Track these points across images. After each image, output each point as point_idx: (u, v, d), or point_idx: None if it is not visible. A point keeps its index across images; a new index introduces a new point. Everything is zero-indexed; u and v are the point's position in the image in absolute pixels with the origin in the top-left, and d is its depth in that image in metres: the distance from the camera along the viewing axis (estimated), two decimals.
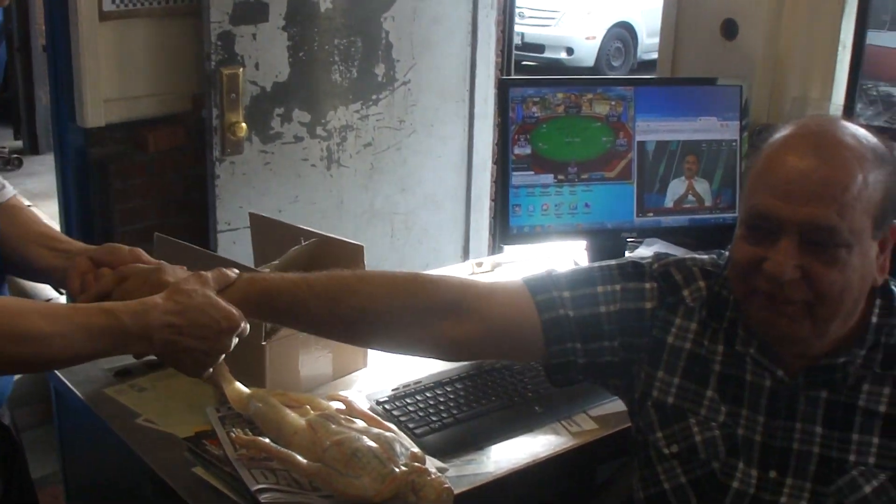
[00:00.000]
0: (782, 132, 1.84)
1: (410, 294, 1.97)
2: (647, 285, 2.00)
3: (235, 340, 1.89)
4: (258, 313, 1.97)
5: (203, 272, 1.90)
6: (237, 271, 1.95)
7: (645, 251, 3.03)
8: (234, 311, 1.86)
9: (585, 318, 1.97)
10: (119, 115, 3.94)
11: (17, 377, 2.26)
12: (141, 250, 2.09)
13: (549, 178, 3.00)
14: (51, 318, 1.72)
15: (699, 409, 1.94)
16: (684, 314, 1.98)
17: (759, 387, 1.91)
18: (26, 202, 2.29)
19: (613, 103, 3.03)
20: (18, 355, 1.71)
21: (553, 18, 14.17)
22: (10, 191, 2.25)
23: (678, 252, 2.83)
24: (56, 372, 2.40)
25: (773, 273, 1.75)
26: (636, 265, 2.03)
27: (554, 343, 1.97)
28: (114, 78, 3.90)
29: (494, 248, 4.73)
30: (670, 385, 1.97)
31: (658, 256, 2.05)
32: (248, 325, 1.91)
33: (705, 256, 2.05)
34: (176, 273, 1.98)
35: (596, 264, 2.06)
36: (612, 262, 2.06)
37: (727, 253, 1.96)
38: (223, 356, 1.91)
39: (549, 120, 2.99)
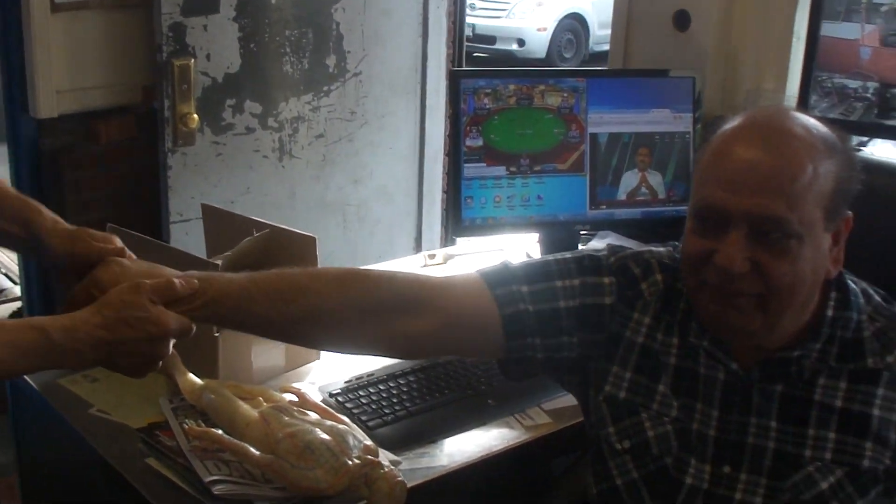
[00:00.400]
0: (731, 123, 1.83)
1: (363, 290, 1.92)
2: (606, 280, 1.97)
3: (172, 343, 1.85)
4: (206, 320, 1.92)
5: (142, 281, 1.83)
6: (187, 282, 1.86)
7: (598, 244, 3.04)
8: (169, 318, 1.80)
9: (545, 313, 1.94)
10: (71, 107, 3.92)
11: None
12: (112, 236, 2.04)
13: (501, 170, 3.00)
14: None
15: (651, 403, 1.93)
16: (641, 308, 1.96)
17: (713, 380, 1.89)
18: None
19: (565, 95, 3.04)
20: None
21: (504, 10, 14.18)
22: None
23: (631, 245, 2.85)
24: None
25: (723, 265, 1.74)
26: (592, 258, 2.00)
27: (513, 338, 1.94)
28: (66, 69, 3.87)
29: (447, 239, 4.73)
30: (622, 379, 1.95)
31: (613, 249, 2.03)
32: (193, 326, 1.87)
33: (662, 249, 2.03)
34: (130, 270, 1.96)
35: (551, 257, 2.02)
36: (568, 254, 2.02)
37: None
38: (162, 359, 1.87)
39: (500, 111, 2.99)
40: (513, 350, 1.96)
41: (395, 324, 1.92)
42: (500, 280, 1.96)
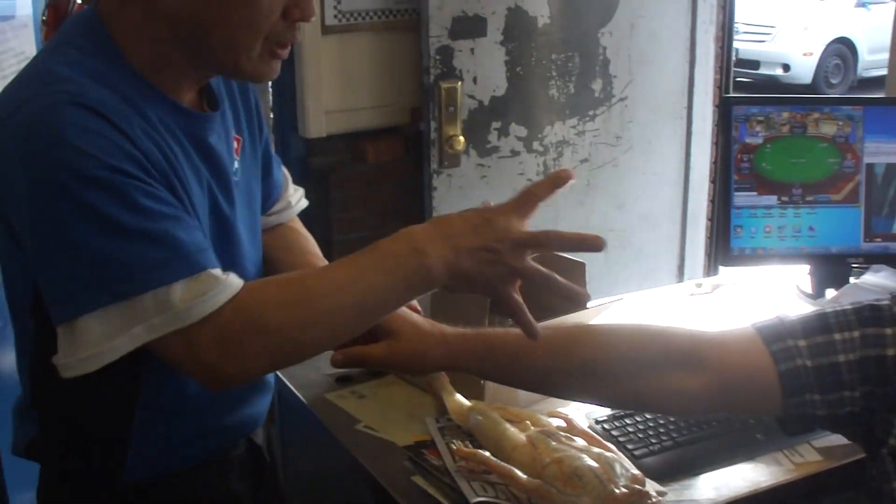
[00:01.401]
0: None
1: (641, 344, 1.89)
2: (889, 330, 1.84)
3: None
4: (476, 364, 1.93)
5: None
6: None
7: (871, 278, 2.93)
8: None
9: (823, 368, 1.83)
10: (339, 127, 4.01)
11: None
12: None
13: (772, 200, 2.93)
14: (319, 278, 1.71)
15: None
16: None
17: None
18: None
19: (841, 123, 2.94)
20: (311, 313, 1.65)
21: (769, 34, 13.97)
22: (294, 212, 2.31)
23: None
24: (279, 375, 2.45)
25: None
26: (874, 308, 1.87)
27: (791, 395, 1.84)
28: (335, 90, 3.96)
29: (710, 268, 4.66)
30: None
31: None
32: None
33: None
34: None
35: (829, 309, 1.91)
36: (848, 307, 1.90)
37: None
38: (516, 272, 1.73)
39: (773, 140, 2.92)
40: (790, 407, 1.86)
41: (671, 379, 1.86)
42: (777, 335, 1.87)
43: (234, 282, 1.63)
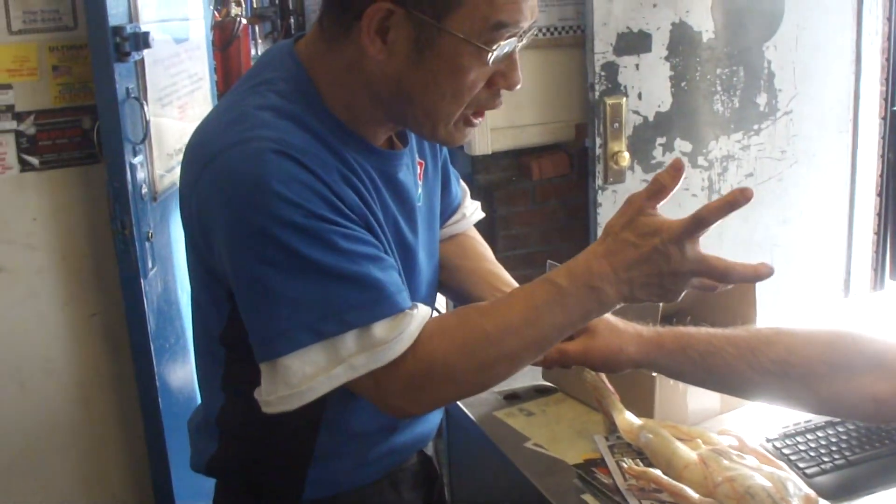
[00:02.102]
0: None
1: (834, 346, 1.87)
2: None
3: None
4: (670, 361, 1.90)
5: (633, 195, 1.72)
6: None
7: None
8: (673, 223, 1.65)
9: None
10: (505, 144, 4.05)
11: None
12: None
13: None
14: (491, 316, 1.71)
15: None
16: None
17: None
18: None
19: None
20: (481, 359, 1.69)
21: None
22: (470, 223, 2.33)
23: None
24: None
25: None
26: None
27: None
28: (501, 108, 3.98)
29: (877, 283, 4.59)
30: None
31: None
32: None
33: None
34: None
35: None
36: None
37: None
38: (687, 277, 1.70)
39: None
40: None
41: (860, 383, 1.84)
42: None
43: (423, 312, 1.69)
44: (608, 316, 1.92)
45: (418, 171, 1.98)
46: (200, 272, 1.82)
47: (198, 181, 1.69)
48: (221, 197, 1.65)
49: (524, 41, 1.71)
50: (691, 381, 1.99)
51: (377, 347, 1.63)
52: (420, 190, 1.98)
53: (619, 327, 1.94)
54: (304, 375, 1.63)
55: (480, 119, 1.81)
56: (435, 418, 2.20)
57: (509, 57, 1.71)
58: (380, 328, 1.63)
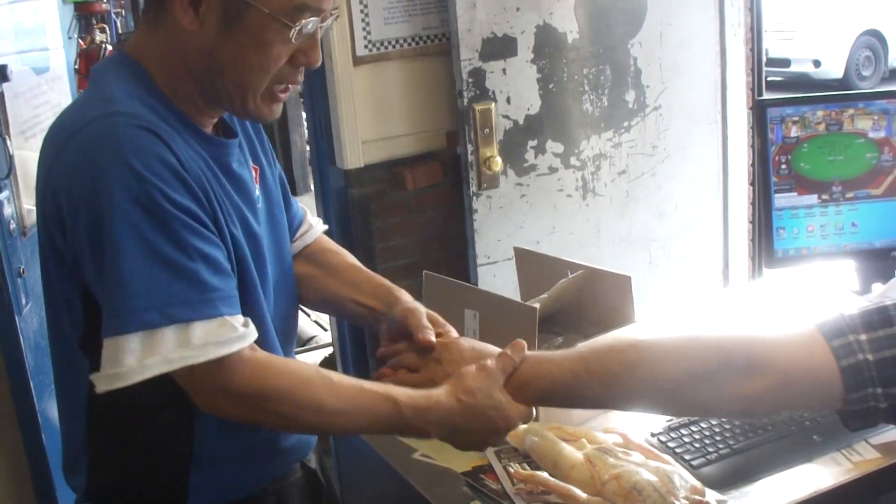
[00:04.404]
0: None
1: (696, 356, 1.88)
2: None
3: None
4: (536, 401, 1.98)
5: (488, 365, 1.92)
6: (520, 354, 1.94)
7: None
8: (514, 412, 1.89)
9: (885, 361, 1.81)
10: (377, 156, 4.02)
11: None
12: (436, 315, 2.14)
13: (812, 199, 2.94)
14: (337, 395, 1.82)
15: None
16: None
17: None
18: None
19: (876, 118, 2.94)
20: (303, 421, 1.85)
21: (796, 31, 13.90)
22: (317, 231, 2.36)
23: None
24: None
25: None
26: None
27: (853, 390, 1.81)
28: (370, 120, 3.98)
29: (755, 271, 4.64)
30: None
31: None
32: (533, 414, 1.97)
33: None
34: (464, 351, 2.05)
35: (889, 302, 1.88)
36: None
37: None
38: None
39: (809, 139, 2.93)
40: (853, 402, 1.83)
41: (731, 387, 1.84)
42: (837, 331, 1.85)
43: (251, 333, 1.77)
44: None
45: (254, 174, 2.04)
46: (53, 269, 1.85)
47: (58, 156, 1.76)
48: (85, 169, 1.71)
49: (328, 23, 1.87)
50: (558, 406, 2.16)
51: (194, 347, 1.69)
52: (258, 192, 2.03)
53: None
54: (121, 362, 1.67)
55: (286, 95, 1.92)
56: None
57: (311, 36, 1.84)
58: (200, 328, 1.70)
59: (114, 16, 8.21)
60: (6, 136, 3.27)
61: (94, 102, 1.80)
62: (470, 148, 3.93)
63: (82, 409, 1.92)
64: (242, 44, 1.79)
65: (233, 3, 1.76)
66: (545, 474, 2.01)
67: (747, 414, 2.09)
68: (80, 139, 1.73)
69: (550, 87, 4.11)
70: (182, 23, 1.79)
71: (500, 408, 1.87)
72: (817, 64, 13.88)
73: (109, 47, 7.41)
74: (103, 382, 1.69)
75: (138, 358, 1.67)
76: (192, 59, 1.83)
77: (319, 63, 1.89)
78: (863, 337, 1.83)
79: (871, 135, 2.94)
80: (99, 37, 7.68)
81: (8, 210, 3.25)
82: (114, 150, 1.68)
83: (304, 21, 1.79)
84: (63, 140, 1.76)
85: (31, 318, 3.41)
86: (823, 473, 2.20)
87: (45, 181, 1.81)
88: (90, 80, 1.93)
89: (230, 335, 1.72)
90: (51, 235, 1.80)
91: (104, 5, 7.94)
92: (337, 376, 1.86)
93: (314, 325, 6.58)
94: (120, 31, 8.34)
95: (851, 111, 2.95)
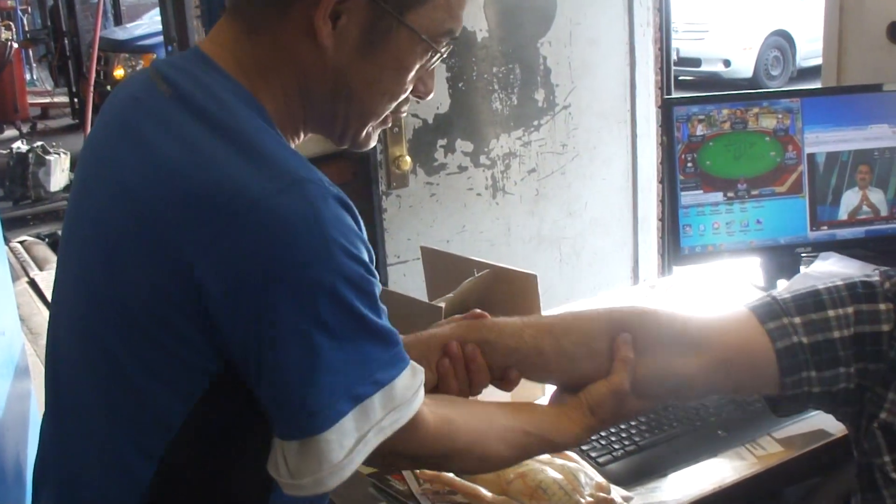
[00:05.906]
0: None
1: (629, 331, 1.85)
2: (883, 306, 1.84)
3: None
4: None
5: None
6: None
7: (821, 265, 2.96)
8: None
9: (819, 345, 1.83)
10: None
11: None
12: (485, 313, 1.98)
13: (718, 196, 2.96)
14: (508, 445, 1.73)
15: None
16: None
17: None
18: None
19: (780, 116, 2.97)
20: (467, 469, 1.88)
21: (707, 31, 14.07)
22: None
23: (856, 265, 2.75)
24: None
25: None
26: (866, 285, 1.87)
27: (789, 373, 1.83)
28: None
29: (664, 269, 4.68)
30: None
31: (887, 274, 1.90)
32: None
33: None
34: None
35: (821, 286, 1.90)
36: (840, 282, 1.90)
37: None
38: None
39: (715, 137, 2.95)
40: (788, 386, 1.85)
41: (663, 365, 1.84)
42: (771, 313, 1.86)
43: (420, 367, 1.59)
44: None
45: None
46: (168, 347, 1.52)
47: (220, 236, 1.43)
48: (270, 251, 1.42)
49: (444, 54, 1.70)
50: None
51: (399, 406, 1.51)
52: None
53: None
54: (343, 448, 1.46)
55: (389, 124, 1.77)
56: None
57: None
58: (400, 384, 1.51)
59: (20, 12, 8.12)
60: None
61: (252, 157, 1.46)
62: (379, 147, 3.93)
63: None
64: (382, 66, 1.61)
65: (382, 19, 1.57)
66: (451, 474, 2.01)
67: (680, 394, 2.02)
68: (264, 214, 1.41)
69: (460, 85, 4.11)
70: (319, 33, 1.55)
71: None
72: (727, 64, 14.07)
73: (15, 45, 7.33)
74: (312, 486, 1.47)
75: (351, 444, 1.46)
76: (313, 79, 1.60)
77: (432, 95, 1.77)
78: (797, 320, 1.85)
79: (775, 133, 2.97)
80: (4, 34, 7.59)
81: None
82: (314, 227, 1.41)
83: (445, 46, 1.67)
84: (229, 215, 1.42)
85: None
86: (728, 468, 2.22)
87: (170, 251, 1.46)
88: (191, 99, 1.55)
89: (420, 379, 1.56)
90: (154, 313, 1.49)
91: (9, 2, 7.84)
92: (506, 419, 1.76)
93: None
94: (27, 29, 8.25)
95: (756, 110, 2.97)
